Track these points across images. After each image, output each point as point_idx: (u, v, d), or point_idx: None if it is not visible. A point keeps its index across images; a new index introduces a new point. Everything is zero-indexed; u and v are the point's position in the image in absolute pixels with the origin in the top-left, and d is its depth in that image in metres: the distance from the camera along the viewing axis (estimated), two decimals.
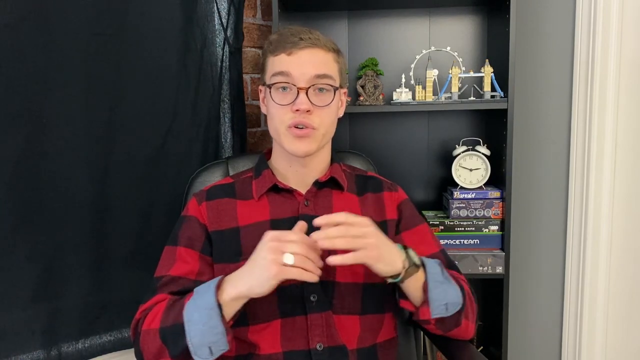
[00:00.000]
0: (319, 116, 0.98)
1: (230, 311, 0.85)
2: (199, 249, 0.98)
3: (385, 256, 0.87)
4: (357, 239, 0.84)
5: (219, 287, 0.85)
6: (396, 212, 1.07)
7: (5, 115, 1.11)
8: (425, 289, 0.90)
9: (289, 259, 0.81)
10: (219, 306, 0.82)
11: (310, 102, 0.97)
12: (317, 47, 0.99)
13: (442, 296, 0.91)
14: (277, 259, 0.81)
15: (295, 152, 0.99)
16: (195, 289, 0.88)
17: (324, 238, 0.83)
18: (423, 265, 0.92)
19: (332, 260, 0.83)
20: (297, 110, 0.96)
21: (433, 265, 0.93)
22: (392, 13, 1.71)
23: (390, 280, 0.90)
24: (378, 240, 0.86)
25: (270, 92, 1.00)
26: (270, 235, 0.84)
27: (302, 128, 0.97)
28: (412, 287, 0.91)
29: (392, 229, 1.05)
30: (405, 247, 0.91)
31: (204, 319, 0.82)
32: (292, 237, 0.83)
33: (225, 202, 1.03)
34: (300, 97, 0.96)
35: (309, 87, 0.97)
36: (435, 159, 1.76)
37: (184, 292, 0.93)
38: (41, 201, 1.17)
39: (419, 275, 0.91)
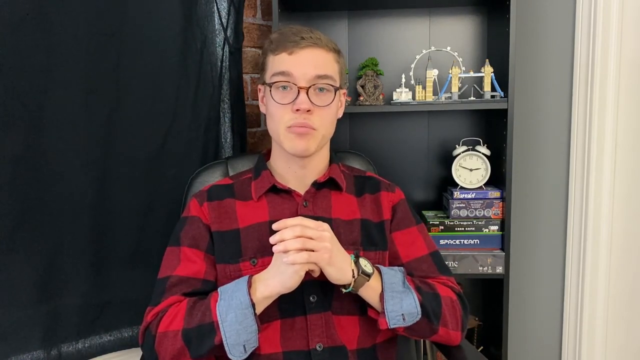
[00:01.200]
0: (319, 116, 0.98)
1: (261, 309, 0.88)
2: (204, 249, 0.99)
3: (336, 261, 0.88)
4: (310, 240, 0.86)
5: (249, 286, 0.87)
6: (390, 212, 1.07)
7: (5, 115, 1.11)
8: (381, 299, 0.91)
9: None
10: (253, 305, 0.85)
11: (311, 101, 0.97)
12: (318, 47, 0.99)
13: (397, 307, 0.91)
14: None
15: (294, 151, 0.99)
16: (219, 289, 0.90)
17: (279, 240, 0.85)
18: (381, 274, 0.93)
19: (286, 259, 0.85)
20: (297, 110, 0.96)
21: (393, 275, 0.94)
22: (392, 13, 1.71)
23: (344, 290, 0.91)
24: (332, 245, 0.88)
25: (270, 91, 0.99)
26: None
27: (302, 127, 0.97)
28: (369, 297, 0.93)
29: (388, 228, 1.05)
30: (357, 257, 0.92)
31: (239, 318, 0.85)
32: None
33: (225, 203, 1.03)
34: (301, 96, 0.96)
35: (310, 87, 0.97)
36: (435, 159, 1.76)
37: (195, 293, 0.94)
38: (41, 201, 1.17)
39: (374, 285, 0.92)
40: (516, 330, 1.76)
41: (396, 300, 0.91)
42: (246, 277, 0.89)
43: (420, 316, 0.92)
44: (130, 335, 1.35)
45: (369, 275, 0.91)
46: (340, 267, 0.89)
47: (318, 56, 0.99)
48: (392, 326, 0.92)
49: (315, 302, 0.95)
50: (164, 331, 0.89)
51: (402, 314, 0.91)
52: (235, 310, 0.85)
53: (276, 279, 0.87)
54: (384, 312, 0.91)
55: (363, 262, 0.92)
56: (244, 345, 0.86)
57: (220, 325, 0.85)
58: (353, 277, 0.90)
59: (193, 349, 0.87)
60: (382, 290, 0.92)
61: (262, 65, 1.05)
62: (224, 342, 0.85)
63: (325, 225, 0.90)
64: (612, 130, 1.57)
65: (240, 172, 1.15)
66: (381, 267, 0.95)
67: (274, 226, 0.88)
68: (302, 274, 0.87)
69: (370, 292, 0.92)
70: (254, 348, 0.87)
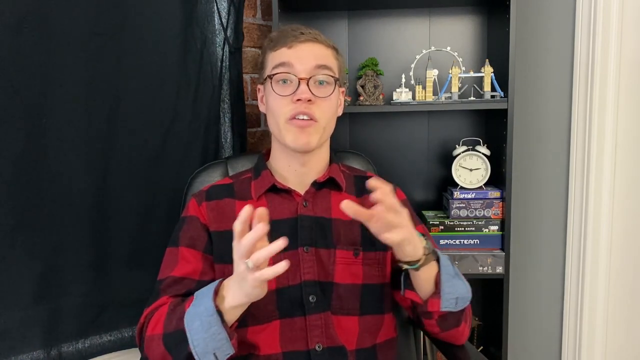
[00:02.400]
0: (319, 107, 0.98)
1: (232, 317, 0.83)
2: (202, 249, 0.98)
3: (413, 239, 0.84)
4: (398, 215, 0.80)
5: (217, 292, 0.83)
6: None
7: (5, 115, 1.11)
8: (437, 280, 0.90)
9: (249, 263, 0.75)
10: (219, 312, 0.80)
11: (311, 92, 0.97)
12: (317, 41, 1.01)
13: (453, 289, 0.90)
14: (247, 267, 0.76)
15: (296, 144, 0.98)
16: (195, 293, 0.87)
17: (385, 204, 0.79)
18: (437, 256, 0.91)
19: (385, 237, 0.79)
20: (298, 100, 0.97)
21: (446, 259, 0.93)
22: (392, 13, 1.71)
23: (406, 267, 0.87)
24: (409, 222, 0.83)
25: (271, 83, 1.00)
26: (234, 248, 0.78)
27: (303, 119, 0.97)
28: (425, 277, 0.89)
29: None
30: (423, 235, 0.89)
31: (205, 326, 0.80)
32: (244, 242, 0.76)
33: (224, 203, 1.03)
34: (301, 87, 0.97)
35: (310, 78, 0.98)
36: (435, 159, 1.76)
37: (189, 294, 0.92)
38: (41, 201, 1.17)
39: (433, 266, 0.90)
40: (516, 330, 1.76)
41: (451, 283, 0.90)
42: (217, 282, 0.85)
43: (469, 301, 0.92)
44: (130, 335, 1.35)
45: (436, 254, 0.89)
46: (415, 243, 0.85)
47: (318, 49, 1.01)
48: (443, 309, 0.90)
49: (315, 302, 0.95)
50: (150, 335, 0.88)
51: (457, 297, 0.90)
52: (201, 318, 0.80)
53: (241, 290, 0.80)
54: (437, 294, 0.90)
55: (429, 242, 0.90)
56: (214, 354, 0.81)
57: (188, 333, 0.81)
58: (424, 254, 0.87)
59: (174, 355, 0.84)
60: (439, 272, 0.90)
61: (262, 64, 1.05)
62: (193, 351, 0.81)
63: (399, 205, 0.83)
64: (612, 130, 1.57)
65: (240, 172, 1.15)
66: (437, 250, 0.93)
67: (371, 182, 0.80)
68: (266, 287, 0.79)
69: (429, 272, 0.89)
70: (229, 355, 0.82)
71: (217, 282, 0.85)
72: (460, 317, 0.95)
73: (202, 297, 0.83)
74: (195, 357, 0.81)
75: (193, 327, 0.81)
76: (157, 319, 0.89)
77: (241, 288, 0.79)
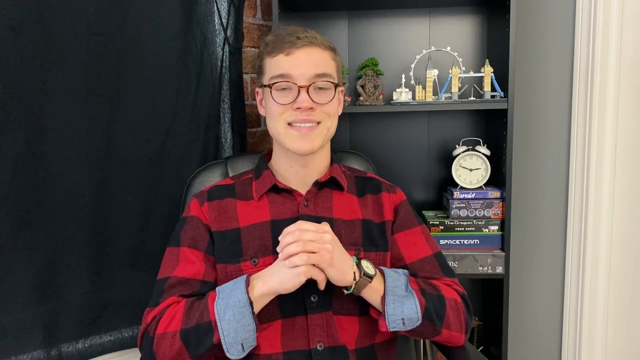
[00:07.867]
0: (321, 112, 0.99)
1: (258, 308, 0.88)
2: (204, 249, 0.99)
3: (337, 262, 0.88)
4: (311, 242, 0.86)
5: (247, 284, 0.87)
6: (392, 213, 1.07)
7: (5, 115, 1.11)
8: (382, 302, 0.91)
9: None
10: (251, 304, 0.86)
11: (312, 99, 0.97)
12: (314, 45, 1.00)
13: (398, 311, 0.91)
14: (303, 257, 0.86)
15: (298, 151, 0.99)
16: (217, 289, 0.90)
17: (281, 247, 0.87)
18: (384, 277, 0.92)
19: (287, 262, 0.86)
20: (298, 108, 0.97)
21: (397, 278, 0.93)
22: (392, 13, 1.71)
23: (345, 292, 0.91)
24: (333, 246, 0.89)
25: (270, 92, 1.00)
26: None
27: (305, 126, 0.98)
28: (371, 298, 0.93)
29: (389, 229, 1.05)
30: (359, 259, 0.92)
31: (237, 316, 0.85)
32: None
33: (225, 203, 1.03)
34: (302, 95, 0.97)
35: (310, 85, 0.97)
36: (435, 159, 1.76)
37: (194, 295, 0.94)
38: (41, 201, 1.17)
39: (377, 287, 0.91)
40: (516, 330, 1.76)
41: (397, 305, 0.91)
42: (244, 276, 0.89)
43: (420, 321, 0.91)
44: (130, 335, 1.36)
45: (371, 277, 0.90)
46: (341, 268, 0.89)
47: (315, 55, 1.00)
48: (391, 329, 0.91)
49: (316, 302, 0.95)
50: (162, 332, 0.89)
51: (402, 319, 0.91)
52: (233, 309, 0.85)
53: (275, 278, 0.88)
54: (384, 315, 0.91)
55: (365, 263, 0.92)
56: (242, 344, 0.86)
57: (218, 324, 0.85)
58: (354, 279, 0.90)
59: (192, 349, 0.87)
60: (384, 293, 0.91)
61: (260, 68, 1.05)
62: (222, 341, 0.85)
63: (327, 227, 0.90)
64: (612, 130, 1.57)
65: (241, 172, 1.15)
66: (385, 270, 0.95)
67: (279, 238, 0.89)
68: (304, 279, 0.87)
69: (372, 293, 0.92)
70: (252, 347, 0.88)
71: (244, 276, 0.89)
72: (435, 327, 0.94)
73: (232, 290, 0.88)
74: (224, 346, 0.85)
75: (224, 317, 0.85)
76: (170, 316, 0.90)
77: (275, 273, 0.88)
